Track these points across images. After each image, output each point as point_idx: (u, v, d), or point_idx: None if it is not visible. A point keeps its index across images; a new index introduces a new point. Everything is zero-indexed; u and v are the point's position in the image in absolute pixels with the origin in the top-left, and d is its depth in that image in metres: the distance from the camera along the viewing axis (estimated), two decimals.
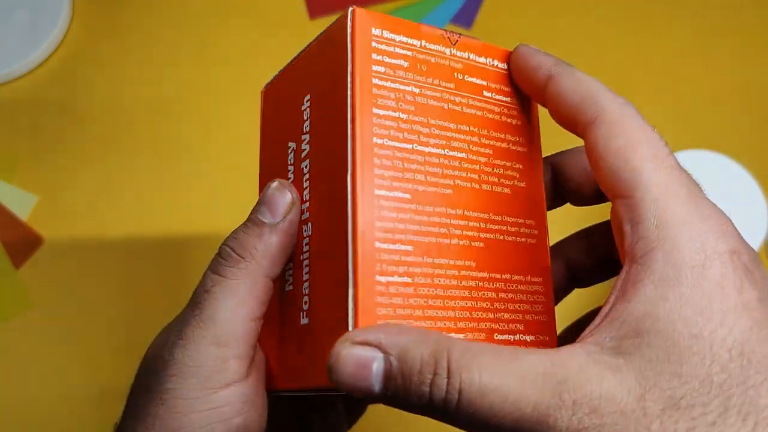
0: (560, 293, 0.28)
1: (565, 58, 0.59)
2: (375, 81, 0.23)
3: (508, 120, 0.26)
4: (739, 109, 0.52)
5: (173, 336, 0.24)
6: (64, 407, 0.44)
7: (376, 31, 0.24)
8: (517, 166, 0.25)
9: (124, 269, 0.48)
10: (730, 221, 0.20)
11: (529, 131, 0.26)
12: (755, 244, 0.40)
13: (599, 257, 0.27)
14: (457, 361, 0.18)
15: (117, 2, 0.57)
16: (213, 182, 0.51)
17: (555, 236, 0.31)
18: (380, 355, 0.19)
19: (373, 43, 0.24)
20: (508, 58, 0.26)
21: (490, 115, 0.25)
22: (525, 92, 0.25)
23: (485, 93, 0.25)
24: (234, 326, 0.23)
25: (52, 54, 0.55)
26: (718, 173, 0.42)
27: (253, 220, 0.25)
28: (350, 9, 0.24)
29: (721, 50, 0.54)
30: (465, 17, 0.56)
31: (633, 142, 0.20)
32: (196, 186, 0.50)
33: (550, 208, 0.27)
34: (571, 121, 0.22)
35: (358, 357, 0.19)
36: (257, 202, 0.25)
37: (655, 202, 0.19)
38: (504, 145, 0.25)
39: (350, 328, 0.21)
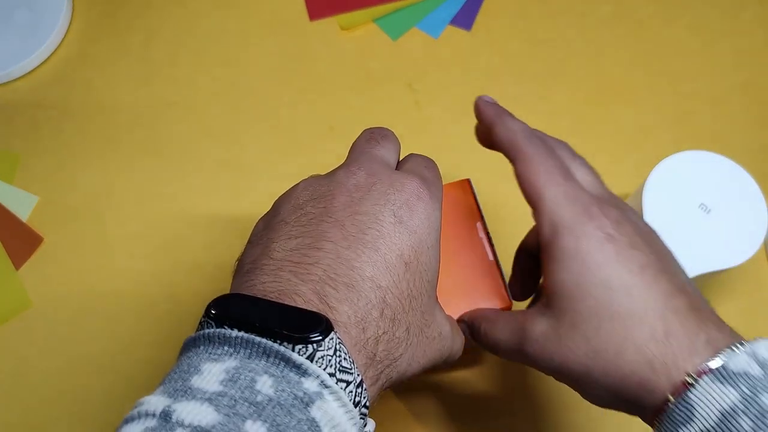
0: (535, 274, 0.38)
1: (565, 58, 0.59)
2: None
3: None
4: (739, 109, 0.52)
5: None
6: (64, 407, 0.44)
7: None
8: None
9: (125, 269, 0.48)
10: (600, 201, 0.31)
11: None
12: (755, 244, 0.40)
13: None
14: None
15: (117, 2, 0.57)
16: (213, 182, 0.51)
17: None
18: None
19: None
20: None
21: None
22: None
23: None
24: None
25: (52, 54, 0.55)
26: (717, 173, 0.42)
27: None
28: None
29: (721, 50, 0.54)
30: (465, 18, 0.56)
31: (536, 173, 0.31)
32: (196, 186, 0.50)
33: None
34: (507, 157, 0.33)
35: None
36: None
37: (548, 212, 0.30)
38: None
39: None
